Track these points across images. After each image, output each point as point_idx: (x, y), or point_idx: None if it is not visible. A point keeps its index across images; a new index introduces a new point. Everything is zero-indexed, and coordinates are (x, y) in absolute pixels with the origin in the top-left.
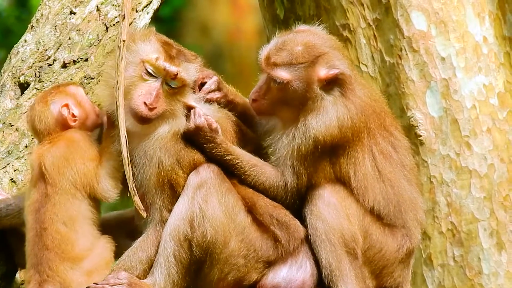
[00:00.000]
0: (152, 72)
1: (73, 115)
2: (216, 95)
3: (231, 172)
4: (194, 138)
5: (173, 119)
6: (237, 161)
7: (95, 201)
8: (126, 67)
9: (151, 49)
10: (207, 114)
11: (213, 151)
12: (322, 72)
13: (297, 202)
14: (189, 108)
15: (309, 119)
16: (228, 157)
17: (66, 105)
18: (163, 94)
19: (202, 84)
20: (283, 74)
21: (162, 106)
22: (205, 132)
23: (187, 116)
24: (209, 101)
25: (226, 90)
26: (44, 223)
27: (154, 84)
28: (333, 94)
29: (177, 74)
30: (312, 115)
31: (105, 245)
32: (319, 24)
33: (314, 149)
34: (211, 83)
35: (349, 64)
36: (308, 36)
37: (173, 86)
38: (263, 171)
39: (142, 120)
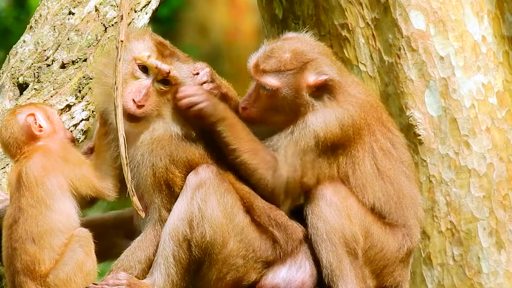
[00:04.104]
0: (143, 70)
1: (40, 126)
2: (210, 86)
3: (227, 162)
4: (200, 114)
5: (163, 120)
6: (235, 134)
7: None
8: None
9: (143, 47)
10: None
11: (216, 117)
12: (311, 78)
13: (286, 202)
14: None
15: (308, 118)
16: (226, 122)
17: (32, 115)
18: (153, 93)
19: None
20: (272, 81)
21: (150, 105)
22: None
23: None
24: None
25: (219, 82)
26: (15, 242)
27: (145, 82)
28: (323, 100)
29: (169, 72)
30: (309, 115)
31: (74, 248)
32: (307, 31)
33: (315, 146)
34: (203, 74)
35: (338, 69)
36: (296, 43)
37: (166, 84)
38: (258, 150)
39: (130, 117)
